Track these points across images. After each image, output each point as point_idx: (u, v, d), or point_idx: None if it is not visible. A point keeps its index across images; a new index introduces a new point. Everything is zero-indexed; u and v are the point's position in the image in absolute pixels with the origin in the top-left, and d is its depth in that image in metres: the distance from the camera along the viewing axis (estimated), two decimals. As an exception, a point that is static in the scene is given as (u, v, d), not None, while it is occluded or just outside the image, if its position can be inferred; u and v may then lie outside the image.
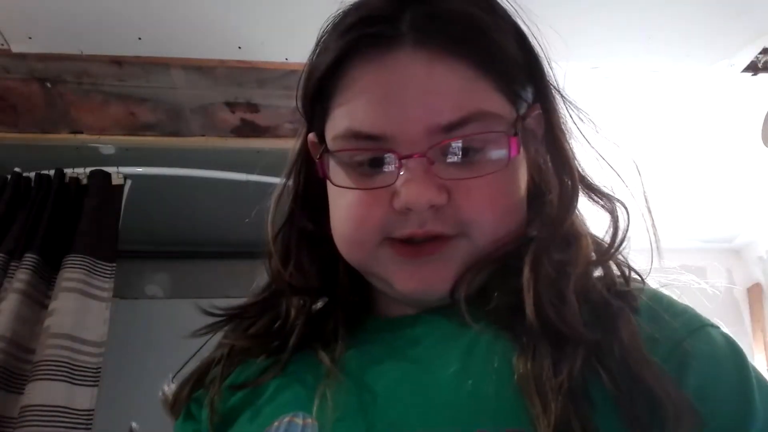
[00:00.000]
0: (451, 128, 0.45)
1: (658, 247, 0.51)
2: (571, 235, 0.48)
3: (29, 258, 1.43)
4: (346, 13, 0.49)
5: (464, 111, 0.45)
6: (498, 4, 0.50)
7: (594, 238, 0.50)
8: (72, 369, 1.33)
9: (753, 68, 1.60)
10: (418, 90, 0.45)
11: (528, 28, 0.52)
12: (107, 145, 1.78)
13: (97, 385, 1.36)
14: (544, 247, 0.47)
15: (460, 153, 0.45)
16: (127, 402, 1.86)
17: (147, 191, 1.68)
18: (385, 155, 0.46)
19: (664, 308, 0.45)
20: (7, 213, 1.52)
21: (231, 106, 1.72)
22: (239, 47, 1.50)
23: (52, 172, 1.58)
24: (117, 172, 1.61)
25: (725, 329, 0.47)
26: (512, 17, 0.51)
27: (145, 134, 1.78)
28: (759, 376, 0.44)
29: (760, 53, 1.56)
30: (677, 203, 2.26)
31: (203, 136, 1.79)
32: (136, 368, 1.96)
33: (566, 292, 0.44)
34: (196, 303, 0.56)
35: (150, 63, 1.57)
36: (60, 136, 1.76)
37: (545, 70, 0.53)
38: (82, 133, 1.76)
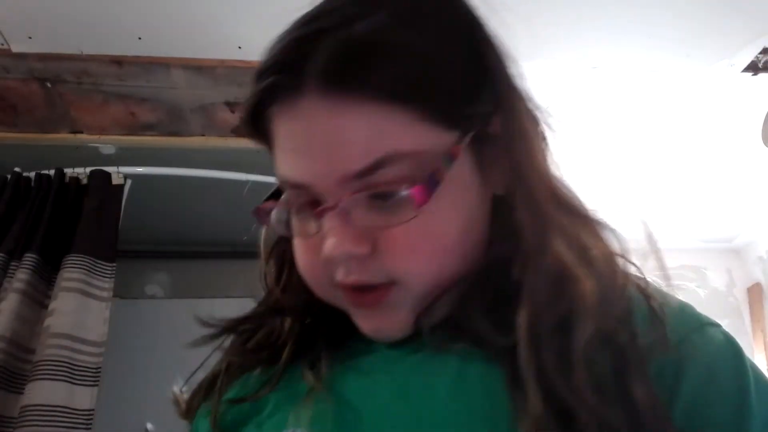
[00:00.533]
0: (363, 175, 0.42)
1: (656, 252, 0.48)
2: (563, 273, 0.43)
3: (29, 258, 1.43)
4: (267, 53, 0.45)
5: (373, 156, 0.41)
6: (428, 8, 0.45)
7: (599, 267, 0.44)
8: (72, 369, 1.33)
9: (753, 68, 1.60)
10: (324, 141, 0.42)
11: (484, 30, 0.47)
12: (107, 145, 1.78)
13: (97, 385, 1.36)
14: (537, 309, 0.42)
15: (378, 201, 0.43)
16: (127, 402, 1.87)
17: (147, 191, 1.68)
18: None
19: (662, 307, 0.44)
20: (7, 213, 1.52)
21: (231, 106, 1.72)
22: (239, 47, 1.50)
23: (52, 172, 1.58)
24: (117, 172, 1.61)
25: (725, 328, 0.47)
26: (455, 21, 0.46)
27: (145, 134, 1.78)
28: (758, 376, 0.44)
29: (760, 53, 1.57)
30: (677, 203, 2.26)
31: (203, 136, 1.79)
32: (136, 368, 1.96)
33: (573, 357, 0.40)
34: (194, 312, 0.56)
35: (150, 63, 1.57)
36: (60, 136, 1.76)
37: (504, 74, 0.47)
38: (82, 133, 1.76)
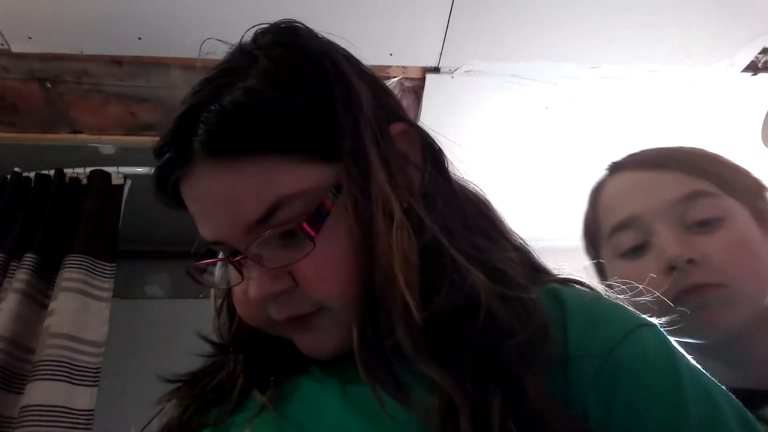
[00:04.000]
0: (262, 221, 0.47)
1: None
2: (472, 296, 0.45)
3: (29, 258, 1.43)
4: (162, 131, 0.50)
5: (266, 204, 0.46)
6: (293, 68, 0.50)
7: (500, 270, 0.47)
8: (72, 369, 1.33)
9: (753, 68, 1.60)
10: (220, 200, 0.47)
11: (337, 75, 0.51)
12: (107, 145, 1.78)
13: (97, 385, 1.36)
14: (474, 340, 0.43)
15: (283, 241, 0.47)
16: (127, 402, 1.86)
17: (147, 191, 1.67)
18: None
19: (595, 315, 0.45)
20: (6, 213, 1.52)
21: (231, 106, 1.72)
22: (239, 47, 1.50)
23: (52, 172, 1.58)
24: (117, 172, 1.61)
25: (659, 326, 0.47)
26: (313, 73, 0.50)
27: (145, 134, 1.78)
28: (693, 374, 0.44)
29: (760, 53, 1.57)
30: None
31: (203, 136, 1.79)
32: (136, 368, 1.96)
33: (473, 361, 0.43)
34: (157, 373, 0.59)
35: (150, 63, 1.57)
36: (60, 136, 1.76)
37: (352, 119, 0.49)
38: (82, 133, 1.76)
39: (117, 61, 1.56)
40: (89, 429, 1.31)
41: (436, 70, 1.59)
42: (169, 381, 0.58)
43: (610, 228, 0.76)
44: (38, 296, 1.43)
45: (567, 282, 0.52)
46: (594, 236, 0.82)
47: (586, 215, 0.84)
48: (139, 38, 1.48)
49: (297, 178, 0.47)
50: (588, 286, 0.52)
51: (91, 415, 1.32)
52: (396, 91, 1.68)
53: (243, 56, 0.52)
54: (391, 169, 0.49)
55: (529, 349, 0.42)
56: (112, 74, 1.60)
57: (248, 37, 0.57)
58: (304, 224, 0.46)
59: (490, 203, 0.58)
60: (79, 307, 1.40)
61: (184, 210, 0.51)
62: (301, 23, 0.56)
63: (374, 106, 0.51)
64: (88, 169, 1.60)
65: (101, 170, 1.60)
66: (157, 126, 1.76)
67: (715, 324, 0.67)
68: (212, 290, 0.59)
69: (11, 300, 1.36)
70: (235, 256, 0.49)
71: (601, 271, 0.80)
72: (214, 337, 0.58)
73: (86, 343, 1.38)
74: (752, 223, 0.73)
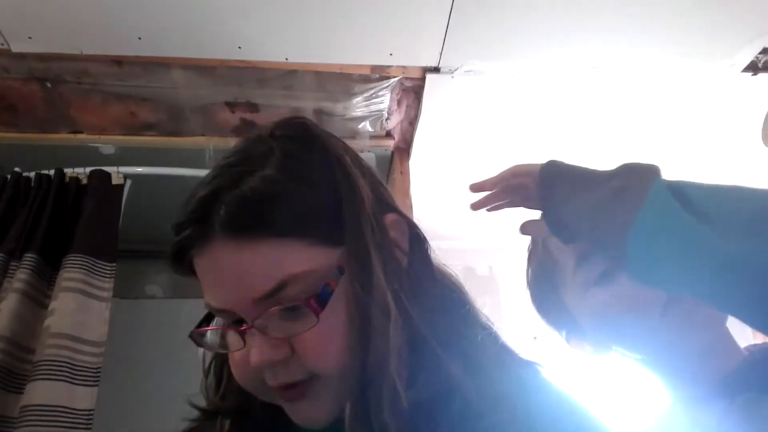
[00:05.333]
0: (270, 296, 0.51)
1: None
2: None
3: (29, 258, 1.43)
4: (183, 205, 0.56)
5: (275, 280, 0.51)
6: (306, 161, 0.57)
7: None
8: (72, 369, 1.33)
9: (753, 68, 1.60)
10: (233, 274, 0.52)
11: (342, 171, 0.57)
12: (107, 145, 1.78)
13: (97, 385, 1.36)
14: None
15: (287, 314, 0.52)
16: (127, 402, 1.87)
17: (147, 191, 1.68)
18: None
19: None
20: (7, 213, 1.52)
21: (231, 106, 1.72)
22: (239, 47, 1.50)
23: (52, 172, 1.58)
24: (117, 172, 1.61)
25: None
26: (322, 169, 0.57)
27: (145, 134, 1.78)
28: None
29: (760, 53, 1.57)
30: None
31: (203, 136, 1.80)
32: (136, 368, 1.96)
33: None
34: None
35: (150, 63, 1.57)
36: (60, 136, 1.76)
37: (354, 210, 0.55)
38: (82, 133, 1.76)
39: (117, 61, 1.57)
40: (89, 429, 1.31)
41: (436, 70, 1.59)
42: None
43: (575, 258, 0.79)
44: (38, 296, 1.42)
45: (530, 365, 0.58)
46: (550, 278, 0.84)
47: (531, 265, 0.87)
48: (139, 38, 1.48)
49: (304, 260, 0.52)
50: (547, 369, 0.58)
51: (91, 415, 1.32)
52: (396, 91, 1.68)
53: (260, 146, 0.57)
54: (384, 257, 0.55)
55: (499, 429, 0.48)
56: (112, 74, 1.60)
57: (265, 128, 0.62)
58: (312, 301, 0.51)
59: (462, 286, 0.65)
60: (79, 307, 1.40)
61: (193, 277, 0.57)
62: (312, 121, 0.62)
63: (373, 200, 0.58)
64: (88, 169, 1.60)
65: (101, 170, 1.60)
66: (157, 126, 1.76)
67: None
68: (202, 353, 0.63)
69: (11, 300, 1.36)
70: (238, 324, 0.54)
71: (566, 312, 0.83)
72: (201, 397, 0.63)
73: (86, 343, 1.38)
74: None
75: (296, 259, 0.52)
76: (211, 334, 0.58)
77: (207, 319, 0.59)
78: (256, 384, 0.55)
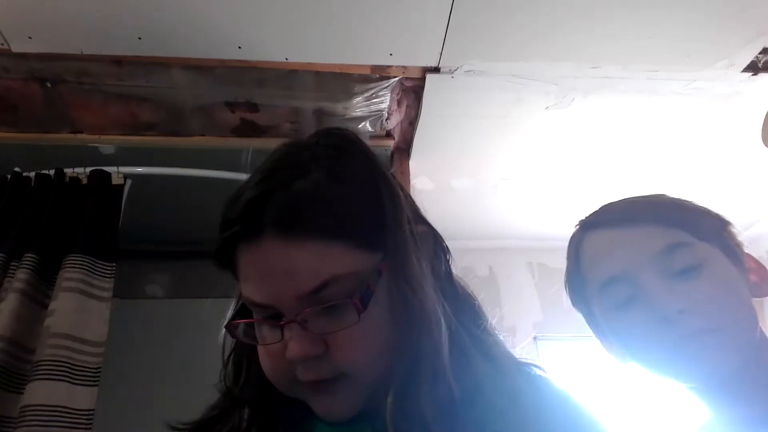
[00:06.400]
0: (314, 293, 0.54)
1: None
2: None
3: (29, 258, 1.43)
4: (230, 203, 0.58)
5: (320, 279, 0.54)
6: (350, 168, 0.60)
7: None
8: (72, 369, 1.33)
9: (753, 68, 1.60)
10: (281, 270, 0.55)
11: (385, 181, 0.60)
12: (107, 144, 1.78)
13: (97, 385, 1.36)
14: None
15: (327, 312, 0.55)
16: (127, 402, 1.87)
17: (147, 191, 1.68)
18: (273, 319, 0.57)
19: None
20: (7, 213, 1.52)
21: (231, 105, 1.72)
22: (239, 47, 1.50)
23: (52, 172, 1.58)
24: (117, 172, 1.61)
25: None
26: (368, 176, 0.60)
27: (145, 134, 1.78)
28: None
29: (760, 53, 1.57)
30: (677, 203, 2.26)
31: (203, 135, 1.80)
32: (136, 368, 1.96)
33: None
34: (165, 421, 0.64)
35: (150, 63, 1.57)
36: (60, 136, 1.76)
37: (391, 215, 0.59)
38: (82, 133, 1.77)
39: (117, 61, 1.57)
40: (89, 429, 1.31)
41: (436, 70, 1.59)
42: (175, 429, 0.64)
43: (600, 284, 0.80)
44: (38, 296, 1.42)
45: (529, 366, 0.62)
46: (581, 290, 0.85)
47: (568, 272, 0.88)
48: (139, 38, 1.48)
49: (348, 262, 0.55)
50: (540, 368, 0.62)
51: (91, 415, 1.32)
52: (396, 91, 1.68)
53: (307, 152, 0.60)
54: (422, 264, 0.58)
55: (520, 424, 0.52)
56: (112, 74, 1.60)
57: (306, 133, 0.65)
58: (357, 300, 0.54)
59: (475, 294, 0.69)
60: (80, 307, 1.40)
61: (229, 272, 0.60)
62: (353, 132, 0.65)
63: (410, 210, 0.61)
64: (88, 169, 1.60)
65: (101, 170, 1.60)
66: (157, 126, 1.76)
67: (716, 365, 0.71)
68: (224, 342, 0.65)
69: (11, 300, 1.36)
70: (277, 319, 0.56)
71: (595, 324, 0.84)
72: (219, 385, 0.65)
73: (86, 343, 1.38)
74: (726, 262, 0.77)
75: (340, 260, 0.55)
76: (243, 326, 0.61)
77: (240, 313, 0.62)
78: (285, 377, 0.57)
